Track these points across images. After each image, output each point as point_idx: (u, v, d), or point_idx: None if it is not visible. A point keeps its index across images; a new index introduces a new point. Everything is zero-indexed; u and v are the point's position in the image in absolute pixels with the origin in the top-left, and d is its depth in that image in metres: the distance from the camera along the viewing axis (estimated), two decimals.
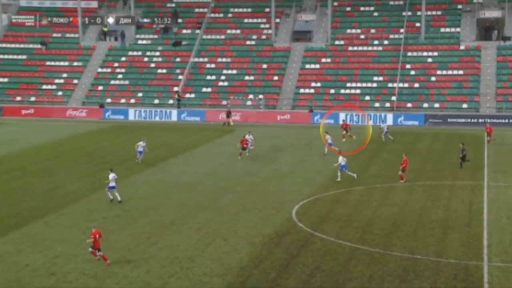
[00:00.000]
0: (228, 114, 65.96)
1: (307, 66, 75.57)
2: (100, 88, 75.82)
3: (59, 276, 24.82)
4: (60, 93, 75.68)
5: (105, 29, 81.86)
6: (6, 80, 77.91)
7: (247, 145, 46.74)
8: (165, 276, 24.78)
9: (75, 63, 78.93)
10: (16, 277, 24.66)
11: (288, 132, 61.11)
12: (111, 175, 34.76)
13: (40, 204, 35.02)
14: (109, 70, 77.92)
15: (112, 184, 34.72)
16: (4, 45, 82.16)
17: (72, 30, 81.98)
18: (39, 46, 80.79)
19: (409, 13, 78.15)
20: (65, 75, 77.66)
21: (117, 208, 34.22)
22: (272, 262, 26.30)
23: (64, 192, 37.81)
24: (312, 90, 72.74)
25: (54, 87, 76.46)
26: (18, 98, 75.11)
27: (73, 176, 42.04)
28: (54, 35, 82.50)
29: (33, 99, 74.92)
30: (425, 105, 69.29)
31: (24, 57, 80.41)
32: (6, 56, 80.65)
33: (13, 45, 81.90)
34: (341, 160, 39.87)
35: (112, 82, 76.36)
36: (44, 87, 76.50)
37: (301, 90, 72.98)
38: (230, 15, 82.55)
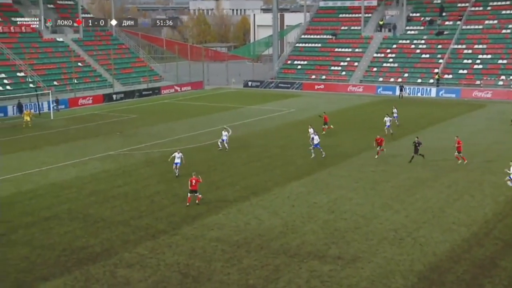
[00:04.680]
0: (401, 89, 65.77)
1: None
2: (375, 69, 75.15)
3: (337, 213, 25.47)
4: (344, 73, 76.54)
5: (381, 22, 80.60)
6: (305, 62, 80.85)
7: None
8: (419, 221, 24.11)
9: (357, 50, 79.00)
10: (306, 211, 25.87)
11: None
12: (177, 154, 31.62)
13: (326, 157, 35.92)
14: (382, 55, 76.71)
15: (177, 161, 31.57)
16: (306, 36, 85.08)
17: (356, 24, 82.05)
18: (330, 36, 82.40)
19: None
20: (348, 59, 78.25)
21: (383, 164, 33.94)
22: None
23: (343, 149, 38.47)
24: None
25: (339, 68, 77.53)
26: (313, 77, 77.56)
27: (351, 138, 42.55)
28: (342, 28, 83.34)
29: (323, 77, 76.83)
30: None
31: (319, 45, 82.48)
32: (306, 45, 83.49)
33: (312, 36, 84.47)
34: (316, 139, 35.89)
35: (384, 64, 75.16)
36: (332, 68, 77.92)
37: None
38: (489, 8, 75.86)
